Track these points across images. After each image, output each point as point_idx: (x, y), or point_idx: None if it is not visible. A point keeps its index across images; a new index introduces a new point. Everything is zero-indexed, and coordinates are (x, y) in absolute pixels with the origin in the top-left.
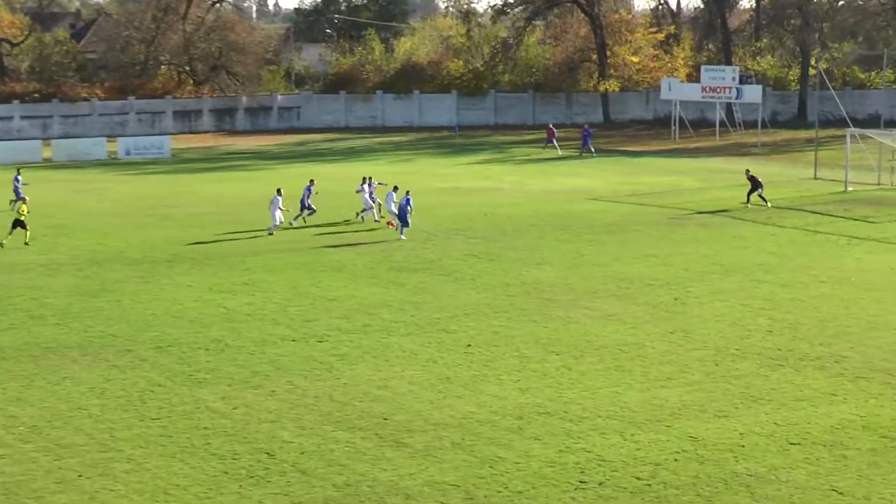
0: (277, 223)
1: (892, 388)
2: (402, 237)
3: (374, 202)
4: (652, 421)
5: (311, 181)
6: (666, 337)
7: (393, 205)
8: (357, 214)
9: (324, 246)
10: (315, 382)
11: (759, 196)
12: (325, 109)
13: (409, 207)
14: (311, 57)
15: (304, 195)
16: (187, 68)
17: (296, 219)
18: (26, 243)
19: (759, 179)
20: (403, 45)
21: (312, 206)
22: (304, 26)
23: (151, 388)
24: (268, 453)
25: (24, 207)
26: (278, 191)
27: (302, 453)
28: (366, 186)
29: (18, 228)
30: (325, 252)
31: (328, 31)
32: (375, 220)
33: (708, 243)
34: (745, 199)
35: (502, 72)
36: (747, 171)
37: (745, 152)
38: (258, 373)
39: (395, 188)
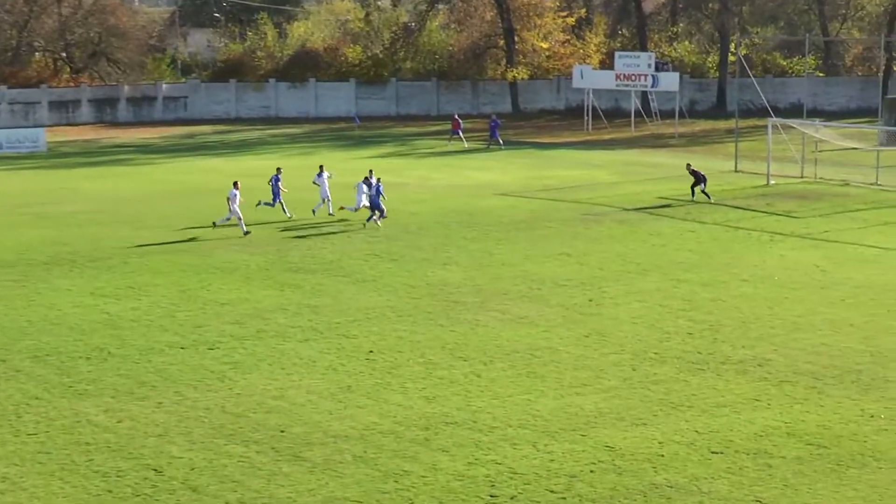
0: (234, 216)
1: (818, 392)
2: (379, 224)
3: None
4: (566, 430)
5: (278, 169)
6: (580, 340)
7: (364, 196)
8: (324, 207)
9: (214, 245)
10: (206, 393)
11: (703, 192)
12: (215, 99)
13: (380, 194)
14: (198, 43)
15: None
16: (64, 55)
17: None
18: None
19: (702, 174)
20: (297, 30)
21: (279, 198)
22: (191, 10)
23: (28, 400)
24: (155, 470)
25: None
26: (234, 184)
27: (192, 469)
28: (325, 176)
29: None
30: (216, 253)
31: (216, 15)
32: (329, 213)
33: (624, 241)
34: (690, 193)
35: (404, 59)
36: (688, 165)
37: (662, 144)
38: (144, 383)
39: (368, 176)
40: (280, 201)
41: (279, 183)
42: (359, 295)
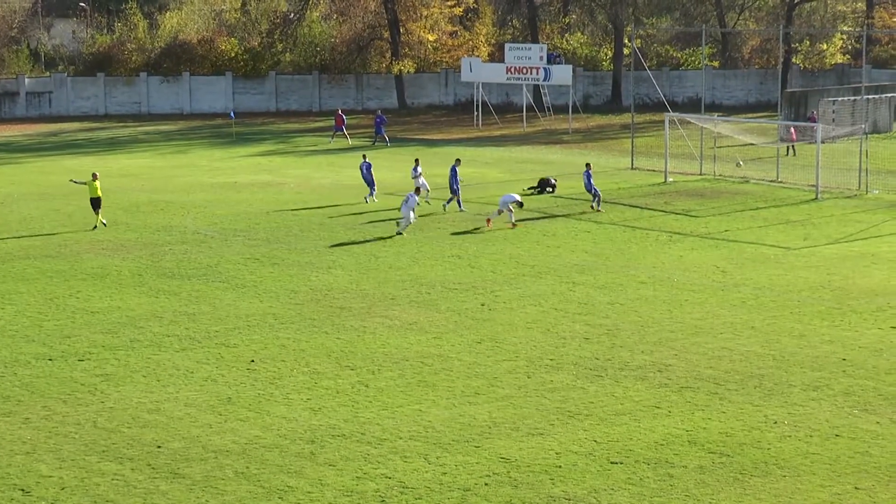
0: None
1: (720, 398)
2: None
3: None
4: (459, 441)
5: (457, 160)
6: (472, 347)
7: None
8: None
9: (83, 249)
10: (76, 407)
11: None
12: (81, 94)
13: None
14: (62, 34)
15: (450, 177)
16: None
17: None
18: None
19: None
20: (170, 21)
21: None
22: None
23: None
24: (23, 490)
25: None
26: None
27: (62, 489)
28: (420, 169)
29: None
30: (85, 258)
31: (82, 4)
32: (427, 202)
33: (517, 242)
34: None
35: (283, 51)
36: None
37: (555, 140)
38: (9, 398)
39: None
40: (456, 198)
41: (456, 177)
42: (238, 301)
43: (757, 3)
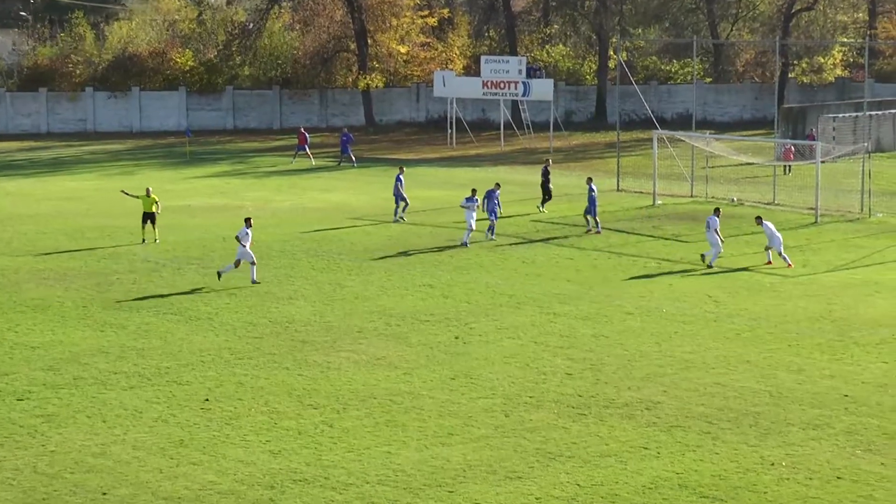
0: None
1: (712, 438)
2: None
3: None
4: (431, 486)
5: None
6: (446, 384)
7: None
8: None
9: (23, 279)
10: (14, 451)
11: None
12: (22, 111)
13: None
14: (1, 47)
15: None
16: None
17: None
18: None
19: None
20: (119, 32)
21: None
22: None
23: None
24: None
25: None
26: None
27: None
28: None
29: None
30: (25, 288)
31: (23, 13)
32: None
33: (493, 270)
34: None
35: (241, 64)
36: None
37: (535, 160)
38: None
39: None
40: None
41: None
42: (192, 335)
43: (752, 12)
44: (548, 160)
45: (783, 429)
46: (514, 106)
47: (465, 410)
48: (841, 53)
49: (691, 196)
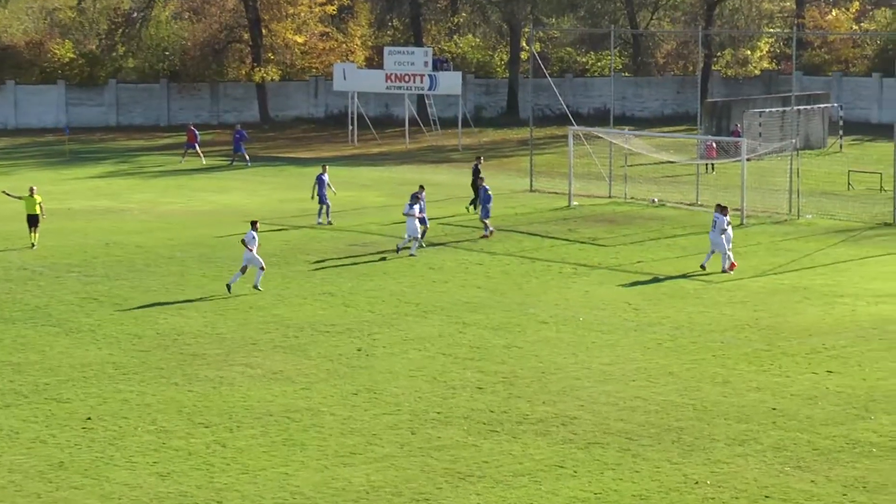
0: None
1: (633, 455)
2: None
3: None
4: None
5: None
6: (347, 399)
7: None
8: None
9: None
10: None
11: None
12: None
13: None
14: None
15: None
16: None
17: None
18: None
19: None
20: None
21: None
22: None
23: None
24: None
25: None
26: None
27: None
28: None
29: None
30: None
31: None
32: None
33: (399, 277)
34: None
35: (125, 55)
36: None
37: (443, 158)
38: None
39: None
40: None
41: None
42: (73, 349)
43: (673, 1)
44: (479, 157)
45: (708, 445)
46: (420, 101)
47: (368, 428)
48: (767, 44)
49: (609, 197)
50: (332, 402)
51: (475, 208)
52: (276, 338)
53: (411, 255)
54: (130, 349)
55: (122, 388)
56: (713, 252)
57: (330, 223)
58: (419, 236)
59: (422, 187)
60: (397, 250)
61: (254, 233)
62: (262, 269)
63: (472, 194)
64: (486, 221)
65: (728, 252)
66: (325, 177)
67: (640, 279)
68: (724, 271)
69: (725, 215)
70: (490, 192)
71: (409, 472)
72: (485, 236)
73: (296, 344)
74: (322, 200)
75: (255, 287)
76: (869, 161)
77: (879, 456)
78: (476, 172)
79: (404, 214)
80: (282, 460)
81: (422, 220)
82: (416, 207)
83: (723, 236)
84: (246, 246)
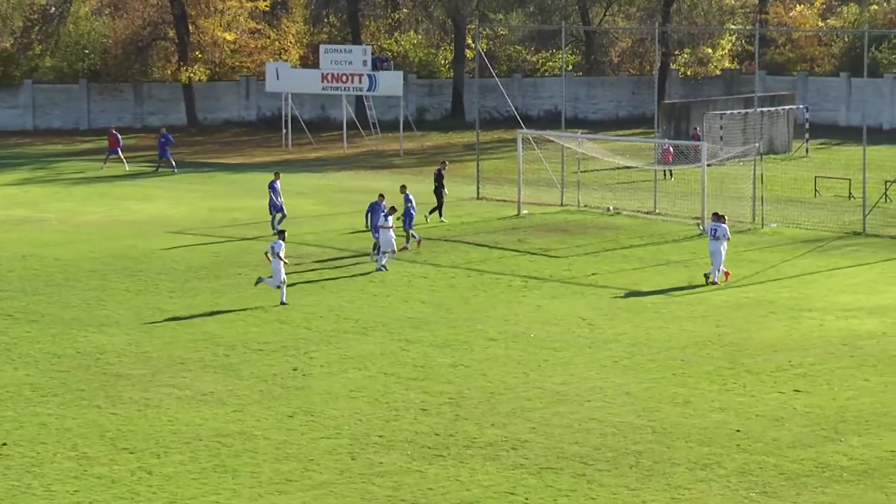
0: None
1: (588, 481)
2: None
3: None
4: None
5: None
6: (283, 422)
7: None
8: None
9: None
10: None
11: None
12: None
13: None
14: None
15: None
16: None
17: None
18: None
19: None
20: None
21: None
22: None
23: None
24: None
25: None
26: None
27: None
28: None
29: None
30: None
31: None
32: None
33: (337, 290)
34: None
35: (42, 54)
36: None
37: (383, 164)
38: None
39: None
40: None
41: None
42: None
43: None
44: (443, 162)
45: (668, 469)
46: (359, 102)
47: (305, 453)
48: (728, 42)
49: (561, 205)
50: (266, 426)
51: (441, 217)
52: (206, 356)
53: (381, 268)
54: (49, 369)
55: (40, 412)
56: (718, 263)
57: (277, 232)
58: (395, 249)
59: (382, 196)
60: (378, 267)
61: (282, 243)
62: (279, 285)
63: (434, 202)
64: (411, 231)
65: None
66: (278, 184)
67: (595, 292)
68: (712, 283)
69: (724, 223)
70: (413, 203)
71: (349, 500)
72: (405, 248)
73: (227, 363)
74: (274, 209)
75: (280, 298)
76: (837, 166)
77: (850, 480)
78: (439, 178)
79: (379, 226)
80: (212, 488)
81: (376, 230)
82: (391, 219)
83: (722, 246)
84: (276, 256)
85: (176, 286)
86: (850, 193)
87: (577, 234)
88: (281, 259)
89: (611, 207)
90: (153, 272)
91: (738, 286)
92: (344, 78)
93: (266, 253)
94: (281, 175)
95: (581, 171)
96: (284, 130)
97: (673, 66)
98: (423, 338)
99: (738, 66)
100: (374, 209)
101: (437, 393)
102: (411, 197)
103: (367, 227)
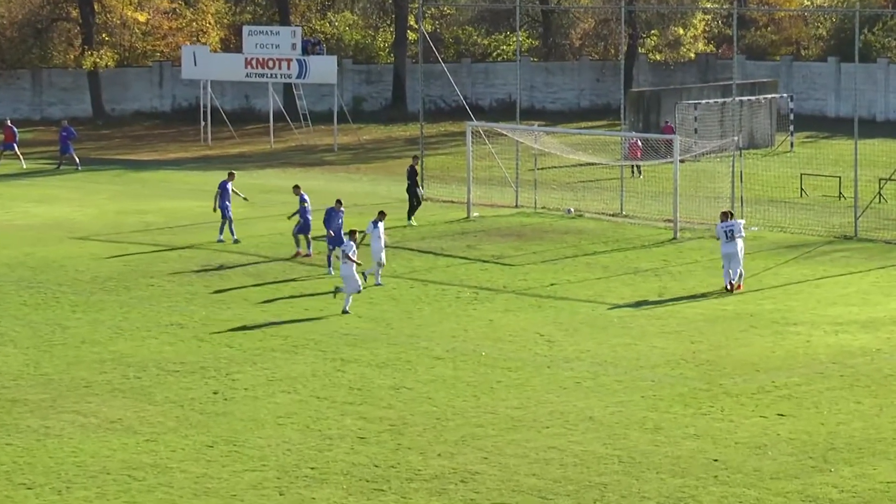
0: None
1: None
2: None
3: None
4: None
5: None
6: (202, 453)
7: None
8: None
9: None
10: None
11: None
12: None
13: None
14: None
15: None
16: None
17: None
18: None
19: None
20: None
21: None
22: None
23: None
24: None
25: None
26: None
27: None
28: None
29: None
30: None
31: None
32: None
33: (263, 304)
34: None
35: None
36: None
37: (315, 161)
38: None
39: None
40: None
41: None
42: None
43: None
44: (415, 157)
45: None
46: (288, 91)
47: (227, 487)
48: (703, 23)
49: (516, 206)
50: (182, 457)
51: (411, 220)
52: (114, 379)
53: (378, 283)
54: None
55: None
56: (738, 266)
57: (236, 241)
58: (383, 261)
59: (339, 202)
60: (376, 283)
61: (353, 244)
62: (359, 290)
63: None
64: (306, 237)
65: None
66: (230, 185)
67: (554, 305)
68: (737, 288)
69: (731, 218)
70: (308, 205)
71: None
72: (298, 254)
73: (138, 386)
74: (225, 213)
75: (345, 311)
76: (825, 162)
77: None
78: (412, 175)
79: (367, 233)
80: None
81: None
82: (381, 226)
83: (739, 247)
84: (349, 258)
85: (80, 299)
86: (839, 193)
87: (533, 240)
88: (354, 261)
89: (572, 209)
90: (54, 284)
91: (715, 297)
92: (270, 63)
93: (335, 256)
94: (235, 176)
95: (538, 169)
96: (203, 123)
97: (641, 51)
98: (360, 357)
99: (714, 50)
100: (330, 216)
101: (377, 419)
102: (307, 197)
103: (328, 233)
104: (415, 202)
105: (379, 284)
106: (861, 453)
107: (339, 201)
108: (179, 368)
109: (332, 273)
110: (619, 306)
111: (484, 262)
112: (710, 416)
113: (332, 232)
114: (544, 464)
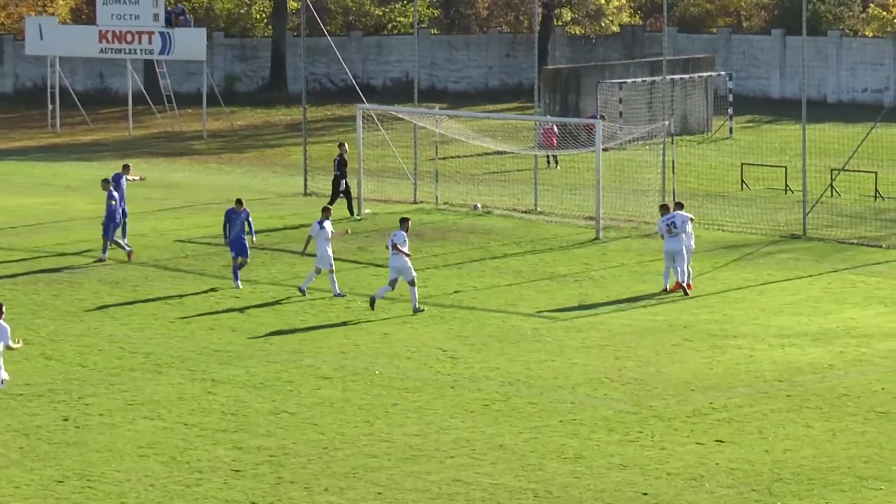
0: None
1: None
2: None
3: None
4: None
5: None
6: (50, 489)
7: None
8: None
9: None
10: None
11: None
12: None
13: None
14: None
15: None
16: None
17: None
18: None
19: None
20: None
21: None
22: None
23: None
24: None
25: None
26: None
27: None
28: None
29: None
30: None
31: None
32: None
33: (121, 316)
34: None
35: None
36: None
37: (181, 150)
38: None
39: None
40: None
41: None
42: None
43: None
44: (342, 144)
45: None
46: (149, 69)
47: None
48: None
49: (414, 202)
50: (27, 494)
51: (360, 214)
52: None
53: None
54: None
55: None
56: (684, 264)
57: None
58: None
59: (240, 201)
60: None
61: (404, 233)
62: (412, 283)
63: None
64: (115, 241)
65: (685, 269)
66: (125, 181)
67: (459, 316)
68: (682, 288)
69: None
70: (115, 202)
71: None
72: (100, 259)
73: None
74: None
75: (416, 309)
76: (769, 150)
77: None
78: (340, 166)
79: (312, 236)
80: None
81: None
82: (328, 224)
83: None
84: (398, 250)
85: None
86: (786, 186)
87: (434, 241)
88: (403, 252)
89: (478, 205)
90: None
91: (642, 306)
92: (129, 37)
93: (386, 246)
94: (130, 168)
95: (440, 159)
96: (51, 106)
97: (557, 22)
98: (234, 377)
99: (641, 22)
100: (231, 218)
101: (254, 449)
102: (114, 193)
103: (224, 240)
104: (337, 193)
105: (340, 295)
106: (811, 485)
107: (239, 201)
108: (24, 391)
109: (240, 287)
110: (533, 316)
111: (377, 266)
112: (638, 443)
113: (226, 238)
114: (447, 499)
